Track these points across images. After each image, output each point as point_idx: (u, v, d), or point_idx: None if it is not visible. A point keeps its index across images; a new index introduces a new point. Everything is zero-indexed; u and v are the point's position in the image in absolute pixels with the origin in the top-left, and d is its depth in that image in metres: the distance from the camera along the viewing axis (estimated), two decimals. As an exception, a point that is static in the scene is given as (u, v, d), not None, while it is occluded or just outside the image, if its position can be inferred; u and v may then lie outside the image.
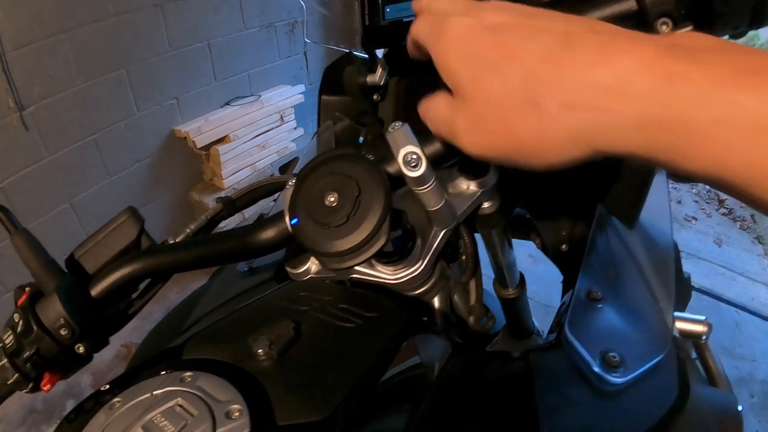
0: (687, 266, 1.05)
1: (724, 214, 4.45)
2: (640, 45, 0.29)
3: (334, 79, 0.96)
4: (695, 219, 4.28)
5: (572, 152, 0.32)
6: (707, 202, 4.61)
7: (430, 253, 0.59)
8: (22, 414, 2.34)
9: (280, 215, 0.57)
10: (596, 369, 0.53)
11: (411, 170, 0.50)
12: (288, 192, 0.55)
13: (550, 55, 0.31)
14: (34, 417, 2.33)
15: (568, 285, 0.75)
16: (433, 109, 0.41)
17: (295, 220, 0.50)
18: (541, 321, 1.13)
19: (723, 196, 4.69)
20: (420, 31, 0.41)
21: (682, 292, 0.84)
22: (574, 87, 0.30)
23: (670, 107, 0.26)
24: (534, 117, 0.32)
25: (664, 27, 0.45)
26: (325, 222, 0.49)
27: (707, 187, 4.73)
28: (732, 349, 2.87)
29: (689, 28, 0.46)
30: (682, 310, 0.86)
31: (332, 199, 0.49)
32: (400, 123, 0.50)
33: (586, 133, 0.30)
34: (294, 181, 0.54)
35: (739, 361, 2.80)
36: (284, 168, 1.23)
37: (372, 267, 0.60)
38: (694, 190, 4.74)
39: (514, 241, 0.86)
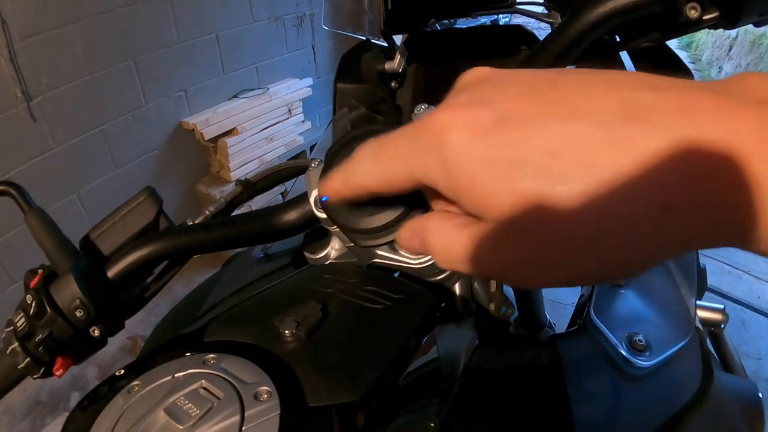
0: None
1: (730, 213, 4.43)
2: (725, 104, 0.22)
3: (351, 67, 0.95)
4: (702, 217, 4.26)
5: (665, 256, 0.24)
6: (714, 201, 4.59)
7: None
8: (27, 406, 2.33)
9: (303, 197, 0.56)
10: (623, 352, 0.53)
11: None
12: (311, 173, 0.54)
13: (613, 140, 0.22)
14: (38, 409, 2.33)
15: None
16: (450, 244, 0.29)
17: (326, 197, 0.49)
18: (549, 315, 1.12)
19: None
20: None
21: (699, 282, 0.83)
22: (669, 181, 0.21)
23: None
24: (628, 235, 0.22)
25: (692, 12, 0.44)
26: None
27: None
28: (738, 347, 2.82)
29: (716, 14, 0.44)
30: (699, 300, 0.86)
31: None
32: (426, 105, 0.49)
33: (685, 237, 0.22)
34: (317, 162, 0.53)
35: (745, 359, 2.76)
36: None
37: (394, 251, 0.59)
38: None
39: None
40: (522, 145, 0.23)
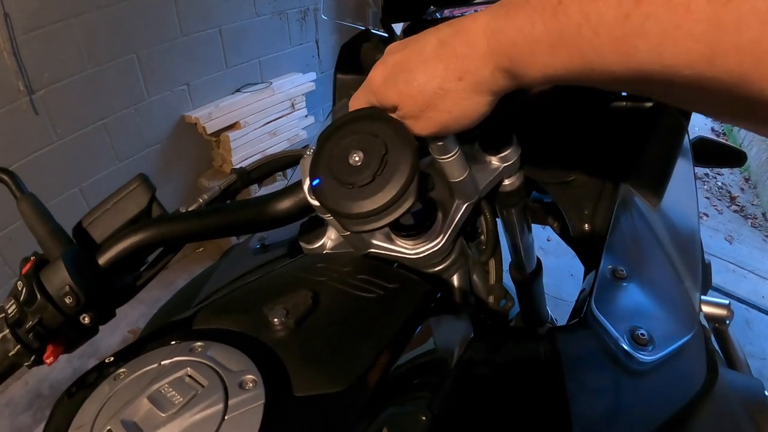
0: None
1: (735, 211, 4.42)
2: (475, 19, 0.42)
3: (351, 57, 0.94)
4: (706, 215, 4.24)
5: (479, 100, 0.43)
6: (719, 199, 4.57)
7: (451, 228, 0.57)
8: (28, 399, 2.34)
9: (297, 185, 0.56)
10: (625, 346, 0.51)
11: (435, 139, 0.48)
12: (306, 161, 0.53)
13: (433, 55, 0.44)
14: (39, 402, 2.33)
15: (590, 266, 0.73)
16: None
17: (316, 181, 0.48)
18: (552, 312, 1.11)
19: (735, 193, 4.65)
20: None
21: (704, 277, 0.82)
22: (454, 66, 0.42)
23: (503, 44, 0.39)
24: (445, 96, 0.43)
25: None
26: (349, 182, 0.46)
27: (719, 183, 4.70)
28: (742, 347, 2.83)
29: None
30: (703, 295, 0.85)
31: (357, 158, 0.47)
32: None
33: (480, 86, 0.42)
34: (312, 149, 0.52)
35: (749, 358, 2.73)
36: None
37: (391, 241, 0.58)
38: (705, 187, 4.71)
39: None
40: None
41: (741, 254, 3.74)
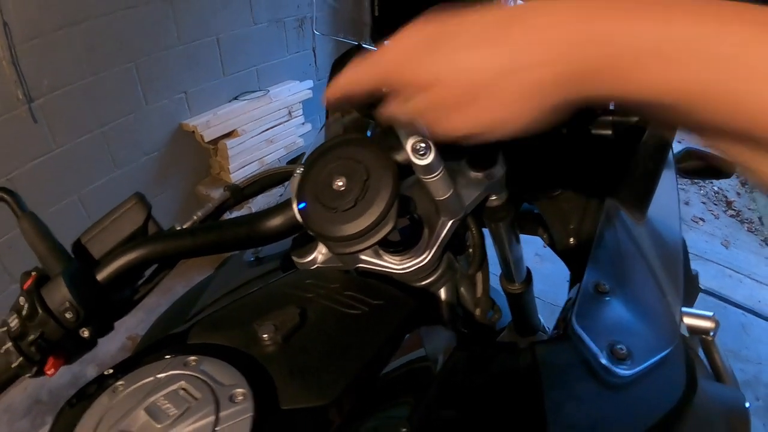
0: (694, 267, 1.04)
1: (731, 216, 4.42)
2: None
3: None
4: (703, 220, 4.25)
5: (532, 106, 0.35)
6: (715, 204, 4.58)
7: (437, 244, 0.59)
8: (27, 404, 2.34)
9: (287, 203, 0.57)
10: (603, 361, 0.53)
11: (419, 158, 0.50)
12: (296, 180, 0.55)
13: (498, 37, 0.35)
14: (38, 407, 2.34)
15: (575, 279, 0.74)
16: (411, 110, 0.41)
17: (302, 205, 0.50)
18: (547, 319, 1.12)
19: (731, 197, 4.66)
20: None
21: (690, 288, 0.83)
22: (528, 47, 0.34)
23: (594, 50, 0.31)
24: (496, 91, 0.35)
25: None
26: (332, 206, 0.49)
27: (716, 188, 4.70)
28: (737, 352, 2.84)
29: None
30: (690, 306, 0.86)
31: (340, 184, 0.49)
32: None
33: (542, 89, 0.34)
34: (302, 169, 0.54)
35: (744, 363, 2.77)
36: (292, 162, 1.23)
37: (378, 256, 0.60)
38: (702, 191, 4.72)
39: (522, 237, 0.86)
40: None
41: (737, 259, 3.75)
